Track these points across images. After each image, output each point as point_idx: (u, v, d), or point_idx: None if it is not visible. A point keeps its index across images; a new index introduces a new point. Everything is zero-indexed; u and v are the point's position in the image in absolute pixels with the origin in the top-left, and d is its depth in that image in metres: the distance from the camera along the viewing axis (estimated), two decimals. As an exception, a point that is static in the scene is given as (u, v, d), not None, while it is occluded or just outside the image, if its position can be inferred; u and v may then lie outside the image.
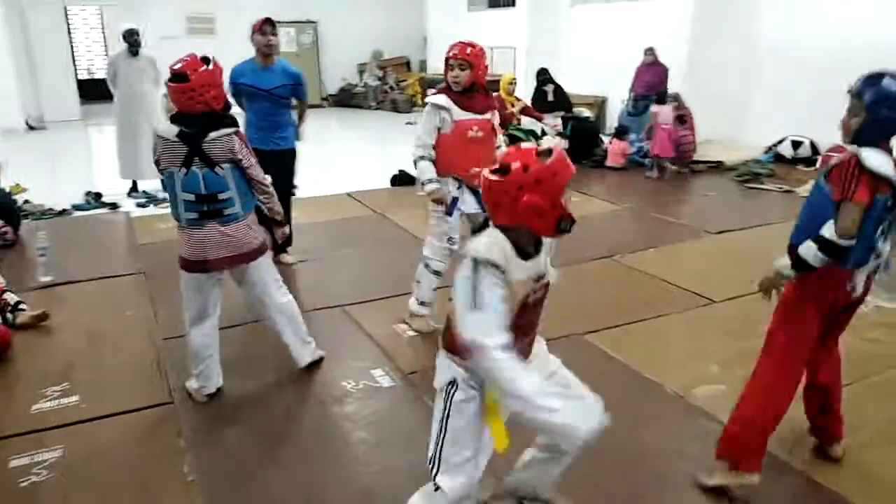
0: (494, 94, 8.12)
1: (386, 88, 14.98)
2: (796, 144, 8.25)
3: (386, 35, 15.44)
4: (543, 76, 9.39)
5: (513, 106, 8.15)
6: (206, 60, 2.88)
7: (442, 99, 3.54)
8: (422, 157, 3.59)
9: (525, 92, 9.53)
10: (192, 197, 2.91)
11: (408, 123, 12.05)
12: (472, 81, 3.48)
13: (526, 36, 11.59)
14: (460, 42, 3.51)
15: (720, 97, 8.82)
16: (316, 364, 3.47)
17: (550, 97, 9.22)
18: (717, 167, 8.03)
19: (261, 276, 3.17)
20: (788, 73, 8.50)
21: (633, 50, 9.17)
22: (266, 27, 4.54)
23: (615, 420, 1.88)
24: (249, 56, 4.66)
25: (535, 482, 2.30)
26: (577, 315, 4.02)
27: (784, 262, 2.41)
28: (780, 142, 8.39)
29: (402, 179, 7.50)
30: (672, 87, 8.66)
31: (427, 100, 3.65)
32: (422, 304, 3.86)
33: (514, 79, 8.38)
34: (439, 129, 3.55)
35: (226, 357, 3.30)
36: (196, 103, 2.83)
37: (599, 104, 10.81)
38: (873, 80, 2.30)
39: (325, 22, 14.95)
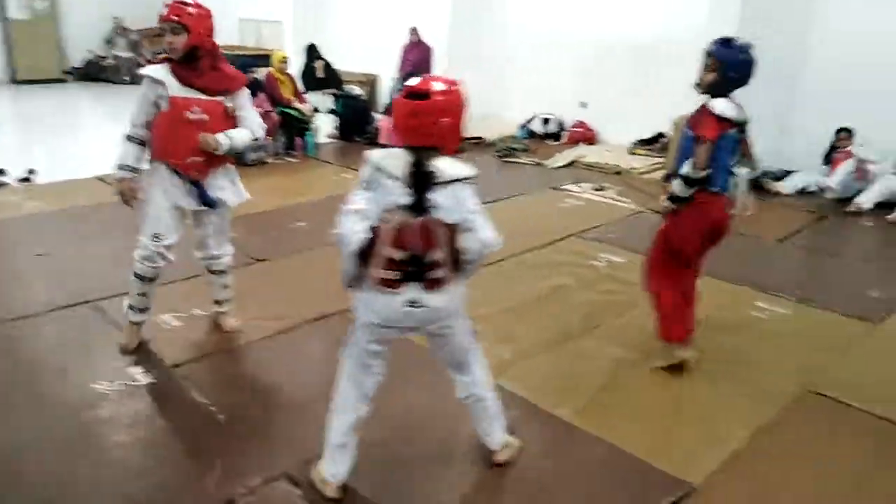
0: (265, 70, 7.93)
1: (142, 61, 13.75)
2: (545, 121, 9.08)
3: (139, 3, 14.08)
4: (312, 52, 9.27)
5: (285, 85, 7.92)
6: None
7: (157, 70, 3.04)
8: (128, 137, 3.11)
9: (294, 69, 9.32)
10: None
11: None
12: (189, 47, 2.97)
13: (293, 10, 11.30)
14: (175, 1, 2.99)
15: (478, 76, 9.40)
16: (64, 369, 3.14)
17: (320, 74, 9.16)
18: (479, 143, 8.58)
19: None
20: (536, 54, 9.29)
21: (401, 28, 9.40)
22: None
23: (393, 388, 1.98)
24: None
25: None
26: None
27: (665, 199, 3.16)
28: (532, 119, 9.18)
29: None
30: (435, 66, 9.03)
31: (141, 71, 3.15)
32: (130, 308, 3.36)
33: (286, 56, 8.13)
34: (159, 107, 3.07)
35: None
36: None
37: (371, 82, 10.93)
38: (725, 45, 2.96)
39: (64, -14, 13.23)
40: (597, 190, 6.78)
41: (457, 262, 2.19)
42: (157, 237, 3.16)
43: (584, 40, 8.69)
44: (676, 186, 3.08)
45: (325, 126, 8.66)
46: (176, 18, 2.94)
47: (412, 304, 2.15)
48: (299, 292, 4.12)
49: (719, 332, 3.64)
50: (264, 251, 4.78)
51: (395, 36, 9.52)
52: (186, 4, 2.99)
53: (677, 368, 3.30)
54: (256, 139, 3.28)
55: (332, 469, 2.39)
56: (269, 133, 7.56)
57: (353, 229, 2.10)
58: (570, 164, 7.78)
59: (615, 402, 3.14)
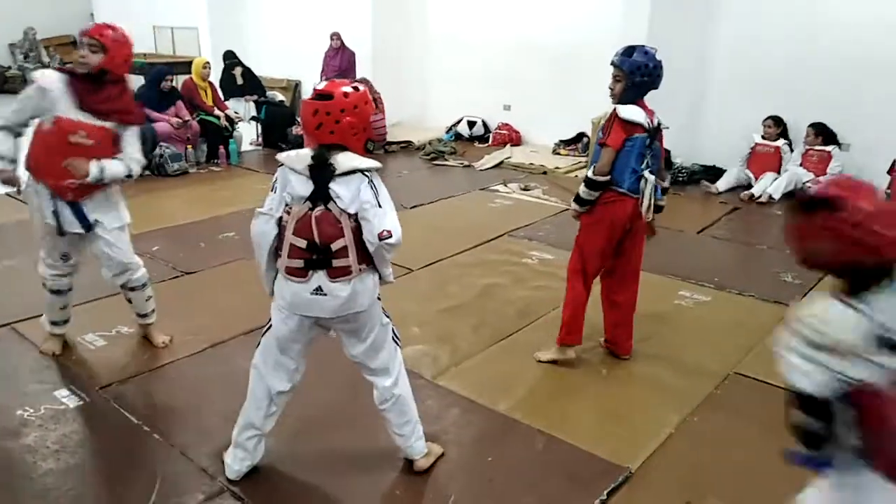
0: (185, 76, 7.68)
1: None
2: (471, 124, 9.18)
3: (42, 9, 13.43)
4: (230, 59, 9.06)
5: (206, 92, 7.73)
6: None
7: (53, 82, 2.91)
8: (3, 127, 2.98)
9: (213, 76, 9.09)
10: None
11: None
12: (102, 68, 2.94)
13: (207, 16, 11.00)
14: (104, 23, 3.07)
15: (404, 81, 9.43)
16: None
17: (240, 80, 8.95)
18: (408, 147, 8.59)
19: None
20: (459, 58, 9.37)
21: (322, 34, 9.30)
22: None
23: (338, 386, 1.97)
24: None
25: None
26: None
27: (572, 202, 3.26)
28: (458, 122, 9.26)
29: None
30: (361, 72, 8.99)
31: (34, 75, 3.00)
32: (53, 323, 3.39)
33: (208, 62, 7.92)
34: (37, 116, 2.97)
35: None
36: None
37: (293, 88, 10.77)
38: (627, 54, 3.06)
39: (-42, -8, 12.47)
40: (524, 189, 6.91)
41: (366, 254, 2.25)
42: (49, 257, 3.23)
43: (506, 43, 8.84)
44: (581, 189, 3.21)
45: (247, 134, 8.49)
46: (98, 37, 2.94)
47: (317, 291, 2.22)
48: (229, 305, 4.02)
49: (648, 321, 3.78)
50: (192, 263, 4.64)
51: (316, 41, 9.41)
52: (112, 28, 3.02)
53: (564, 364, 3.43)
54: (130, 175, 3.13)
55: (230, 465, 2.50)
56: (191, 142, 7.38)
57: (263, 230, 2.26)
58: (498, 166, 7.91)
59: (552, 393, 3.23)
